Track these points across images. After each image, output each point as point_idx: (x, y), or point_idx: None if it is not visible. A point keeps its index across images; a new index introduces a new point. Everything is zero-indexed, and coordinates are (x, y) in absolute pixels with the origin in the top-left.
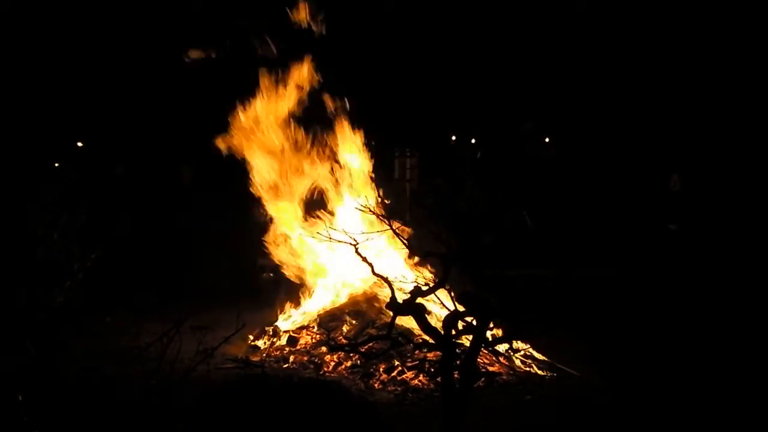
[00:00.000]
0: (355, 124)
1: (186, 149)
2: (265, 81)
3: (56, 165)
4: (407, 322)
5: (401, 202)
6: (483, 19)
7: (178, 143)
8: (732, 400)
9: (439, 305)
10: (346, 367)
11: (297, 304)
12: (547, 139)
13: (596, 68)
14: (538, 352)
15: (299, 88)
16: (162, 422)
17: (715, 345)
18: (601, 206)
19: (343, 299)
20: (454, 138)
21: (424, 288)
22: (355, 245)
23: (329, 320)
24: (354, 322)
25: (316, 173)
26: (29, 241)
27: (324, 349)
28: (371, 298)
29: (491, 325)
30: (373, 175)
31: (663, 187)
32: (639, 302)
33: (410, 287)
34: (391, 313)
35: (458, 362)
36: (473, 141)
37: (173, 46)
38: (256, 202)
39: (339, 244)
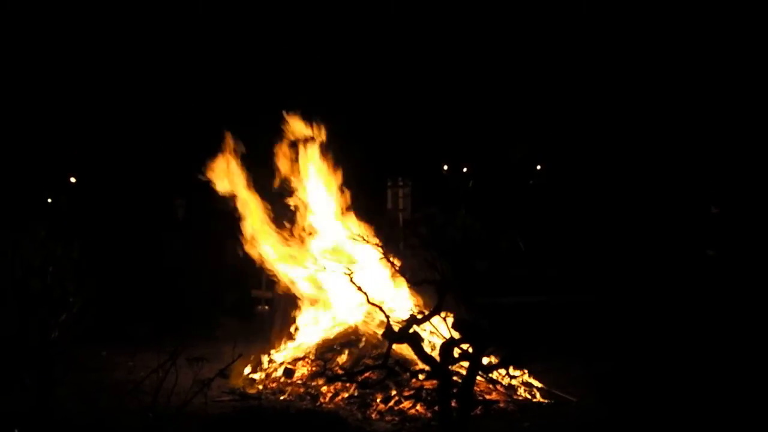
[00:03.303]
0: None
1: (178, 183)
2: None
3: (49, 200)
4: (404, 351)
5: (394, 231)
6: (474, 47)
7: (170, 177)
8: (732, 424)
9: (436, 333)
10: (343, 397)
11: (292, 335)
12: (538, 167)
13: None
14: (534, 378)
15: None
16: None
17: (719, 369)
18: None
19: (338, 330)
20: (446, 167)
21: (419, 316)
22: (349, 274)
23: (325, 351)
24: (350, 352)
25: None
26: (24, 276)
27: (320, 380)
28: (367, 328)
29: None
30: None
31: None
32: (641, 326)
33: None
34: (386, 343)
35: (455, 390)
36: (465, 170)
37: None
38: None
39: (334, 274)
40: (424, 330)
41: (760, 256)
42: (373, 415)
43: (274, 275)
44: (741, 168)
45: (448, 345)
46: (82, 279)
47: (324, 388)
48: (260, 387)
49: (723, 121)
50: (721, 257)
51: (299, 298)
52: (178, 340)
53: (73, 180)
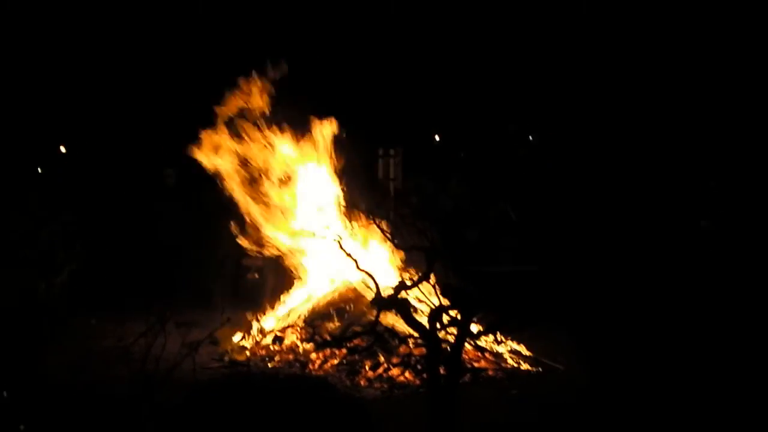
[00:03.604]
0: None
1: (169, 152)
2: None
3: (39, 170)
4: (393, 319)
5: (386, 200)
6: (467, 16)
7: (161, 146)
8: (720, 397)
9: (424, 301)
10: (331, 364)
11: (282, 303)
12: (530, 137)
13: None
14: (523, 346)
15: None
16: (148, 419)
17: (711, 344)
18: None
19: (328, 297)
20: (437, 137)
21: (408, 282)
22: (339, 241)
23: (314, 319)
24: (339, 320)
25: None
26: (15, 244)
27: (309, 347)
28: (356, 296)
29: (475, 319)
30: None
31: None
32: (633, 297)
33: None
34: (375, 310)
35: (443, 357)
36: (457, 140)
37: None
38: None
39: (324, 241)
40: (417, 300)
41: (754, 229)
42: (362, 382)
43: (266, 242)
44: (739, 141)
45: (436, 311)
46: (73, 247)
47: (313, 356)
48: (249, 354)
49: (722, 94)
50: (715, 229)
51: (289, 266)
52: (168, 305)
53: (63, 150)
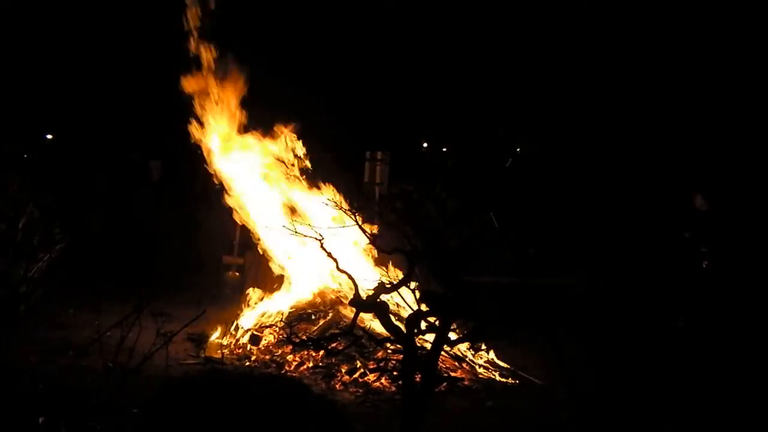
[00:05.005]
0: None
1: (154, 145)
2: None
3: (24, 156)
4: (372, 324)
5: (371, 204)
6: (460, 23)
7: (146, 139)
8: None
9: (404, 305)
10: (308, 367)
11: (261, 302)
12: (518, 149)
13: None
14: (501, 359)
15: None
16: (119, 407)
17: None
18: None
19: (307, 298)
20: (425, 145)
21: (388, 285)
22: (320, 240)
23: (292, 320)
24: (317, 322)
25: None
26: None
27: (287, 348)
28: (335, 298)
29: (454, 326)
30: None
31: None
32: (618, 314)
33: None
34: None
35: (420, 363)
36: (444, 150)
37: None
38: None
39: (305, 242)
40: (397, 307)
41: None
42: (338, 386)
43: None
44: (731, 159)
45: (414, 316)
46: (53, 234)
47: (289, 357)
48: (225, 352)
49: (714, 106)
50: (711, 254)
51: (270, 265)
52: (145, 297)
53: (49, 137)
